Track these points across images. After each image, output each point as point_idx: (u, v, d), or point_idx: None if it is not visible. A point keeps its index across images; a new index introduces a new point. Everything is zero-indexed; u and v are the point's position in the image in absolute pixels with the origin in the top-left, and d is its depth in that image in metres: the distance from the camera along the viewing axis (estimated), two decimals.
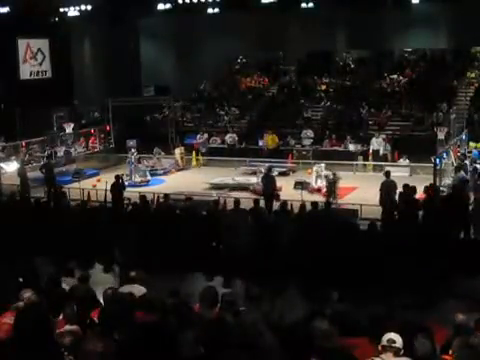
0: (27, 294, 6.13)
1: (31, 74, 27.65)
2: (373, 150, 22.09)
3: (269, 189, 16.19)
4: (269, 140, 23.93)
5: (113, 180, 16.17)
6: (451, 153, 18.07)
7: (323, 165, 18.95)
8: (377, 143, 22.16)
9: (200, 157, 23.93)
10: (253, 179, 19.22)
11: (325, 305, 6.66)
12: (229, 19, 29.60)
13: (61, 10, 27.71)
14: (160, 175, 21.94)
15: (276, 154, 22.74)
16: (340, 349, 5.02)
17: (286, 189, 17.80)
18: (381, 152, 21.97)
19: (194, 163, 23.85)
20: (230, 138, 25.02)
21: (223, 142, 25.46)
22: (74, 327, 5.65)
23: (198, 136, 25.07)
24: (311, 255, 10.98)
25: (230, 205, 13.98)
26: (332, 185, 16.80)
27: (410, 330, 5.34)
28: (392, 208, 13.78)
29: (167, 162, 22.96)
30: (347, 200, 16.71)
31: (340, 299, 7.61)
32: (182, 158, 23.14)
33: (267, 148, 23.77)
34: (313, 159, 21.89)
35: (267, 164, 18.66)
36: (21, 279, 7.25)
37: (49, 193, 17.67)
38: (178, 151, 23.28)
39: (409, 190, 13.52)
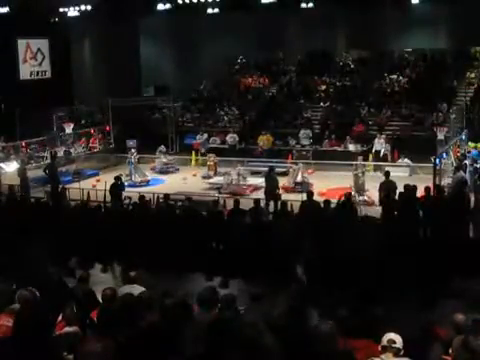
0: (25, 294, 6.11)
1: (31, 74, 27.65)
2: (375, 150, 22.12)
3: (273, 189, 16.18)
4: (264, 140, 23.84)
5: (112, 181, 16.15)
6: (451, 153, 18.08)
7: (301, 165, 19.08)
8: (379, 144, 22.18)
9: (200, 157, 23.88)
10: (252, 179, 19.33)
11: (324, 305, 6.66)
12: (229, 19, 29.61)
13: (61, 10, 27.73)
14: (171, 173, 22.11)
15: (271, 154, 22.55)
16: (341, 351, 5.01)
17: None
18: (381, 152, 21.98)
19: (194, 163, 23.80)
20: (231, 138, 24.97)
21: (223, 142, 25.41)
22: (74, 328, 5.65)
23: (198, 136, 25.06)
24: (310, 255, 10.98)
25: (230, 205, 13.99)
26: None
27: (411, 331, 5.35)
28: (392, 208, 13.76)
29: (171, 161, 22.90)
30: None
31: (340, 299, 7.60)
32: (215, 165, 21.68)
33: (261, 149, 23.66)
34: (313, 159, 21.91)
35: (269, 164, 18.68)
36: (19, 279, 7.23)
37: (52, 192, 17.60)
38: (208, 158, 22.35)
39: (410, 190, 13.48)
